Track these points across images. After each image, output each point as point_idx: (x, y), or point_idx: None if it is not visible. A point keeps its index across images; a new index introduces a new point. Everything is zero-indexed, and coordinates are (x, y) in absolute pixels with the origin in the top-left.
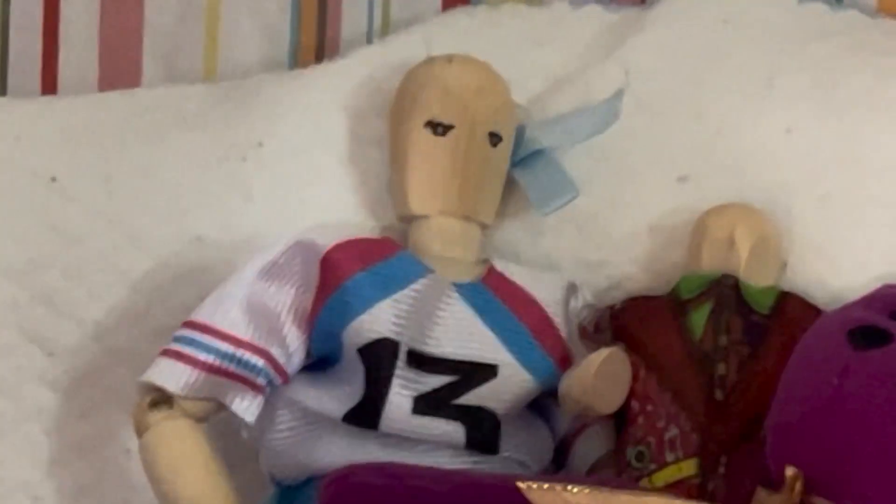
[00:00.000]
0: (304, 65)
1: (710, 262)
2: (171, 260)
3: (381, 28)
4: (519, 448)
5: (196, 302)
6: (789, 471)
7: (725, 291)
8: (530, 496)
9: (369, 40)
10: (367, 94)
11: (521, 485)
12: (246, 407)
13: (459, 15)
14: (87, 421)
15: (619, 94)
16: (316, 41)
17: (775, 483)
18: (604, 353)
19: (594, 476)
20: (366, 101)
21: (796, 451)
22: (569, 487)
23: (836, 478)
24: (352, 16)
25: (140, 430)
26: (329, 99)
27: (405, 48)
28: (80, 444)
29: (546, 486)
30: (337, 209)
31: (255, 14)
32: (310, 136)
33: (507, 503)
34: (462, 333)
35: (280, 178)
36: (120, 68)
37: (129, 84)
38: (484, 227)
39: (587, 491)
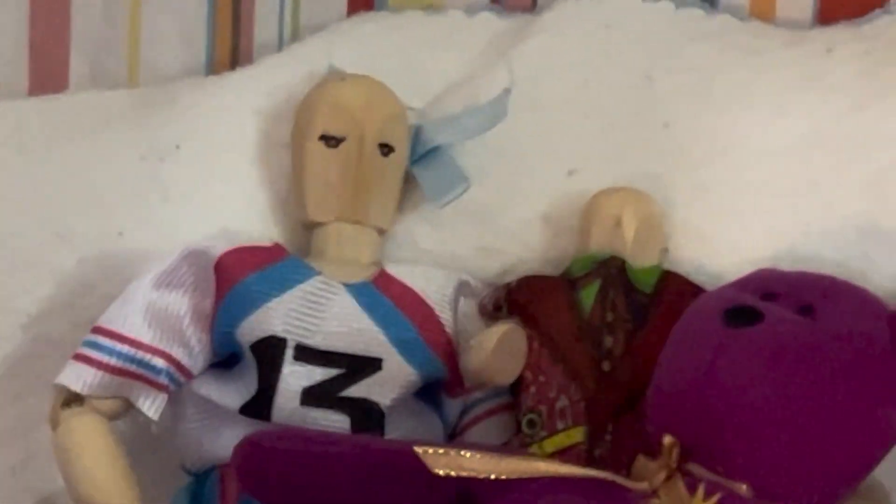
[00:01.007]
0: (220, 71)
1: (599, 243)
2: (95, 255)
3: (291, 35)
4: (406, 436)
5: (119, 294)
6: (667, 439)
7: (612, 271)
8: (426, 460)
9: (280, 47)
10: (277, 99)
11: (417, 449)
12: (149, 405)
13: (362, 21)
14: (18, 405)
15: (505, 94)
16: (230, 49)
17: (655, 450)
18: (501, 328)
19: (486, 444)
20: (276, 106)
21: (673, 421)
22: (462, 452)
23: (710, 446)
24: (263, 24)
25: (53, 426)
26: (242, 103)
27: (312, 54)
28: (13, 428)
29: (441, 450)
30: (249, 206)
31: (174, 23)
32: (224, 139)
33: (404, 466)
34: (349, 329)
35: (196, 177)
36: (49, 71)
37: (57, 86)
38: (380, 230)
39: (479, 455)
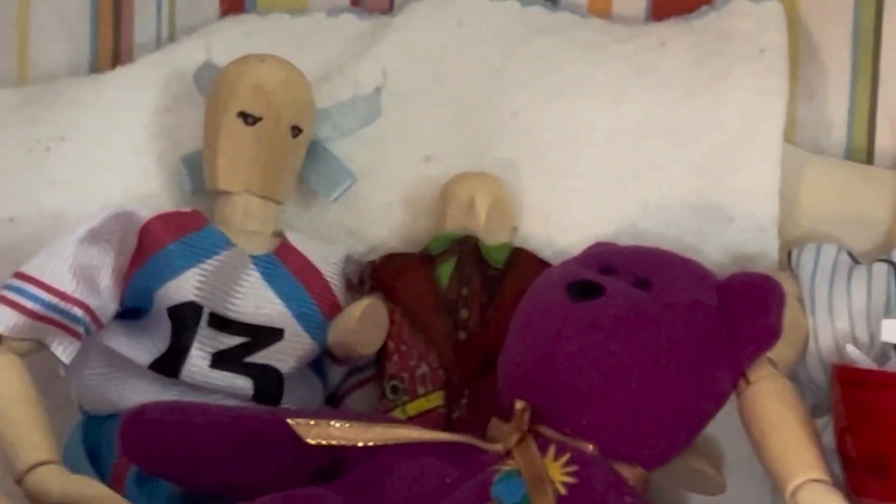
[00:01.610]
0: (102, 69)
1: (454, 223)
2: None
3: (168, 35)
4: (297, 400)
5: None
6: (518, 404)
7: (467, 248)
8: (298, 430)
9: (158, 47)
10: (155, 94)
11: (290, 421)
12: (63, 350)
13: (233, 23)
14: None
15: (377, 92)
16: (112, 49)
17: (507, 414)
18: (364, 301)
19: (354, 412)
20: (154, 100)
21: (524, 387)
22: (332, 422)
23: (558, 409)
24: (142, 26)
25: None
26: (123, 98)
27: (187, 53)
28: None
29: (312, 421)
30: (129, 193)
31: (60, 24)
32: (106, 131)
33: (279, 436)
34: (256, 301)
35: (80, 166)
36: None
37: None
38: (279, 204)
39: (348, 424)
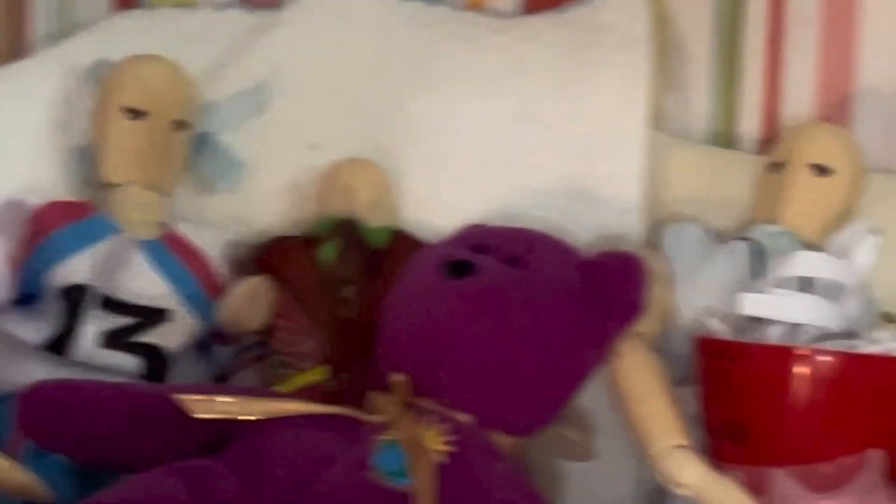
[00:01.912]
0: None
1: (337, 207)
2: None
3: (63, 31)
4: (183, 378)
5: None
6: (397, 377)
7: (348, 231)
8: (186, 406)
9: (53, 42)
10: (51, 88)
11: (177, 396)
12: None
13: (125, 18)
14: None
15: (264, 85)
16: (9, 44)
17: (387, 387)
18: (250, 281)
19: (240, 387)
20: (50, 94)
21: (402, 361)
22: (217, 397)
23: (435, 382)
24: (38, 22)
25: None
26: (19, 92)
27: (82, 48)
28: None
29: (199, 397)
30: (24, 184)
31: None
32: (2, 124)
33: (168, 411)
34: (143, 283)
35: None
36: None
37: None
38: (166, 195)
39: (233, 399)
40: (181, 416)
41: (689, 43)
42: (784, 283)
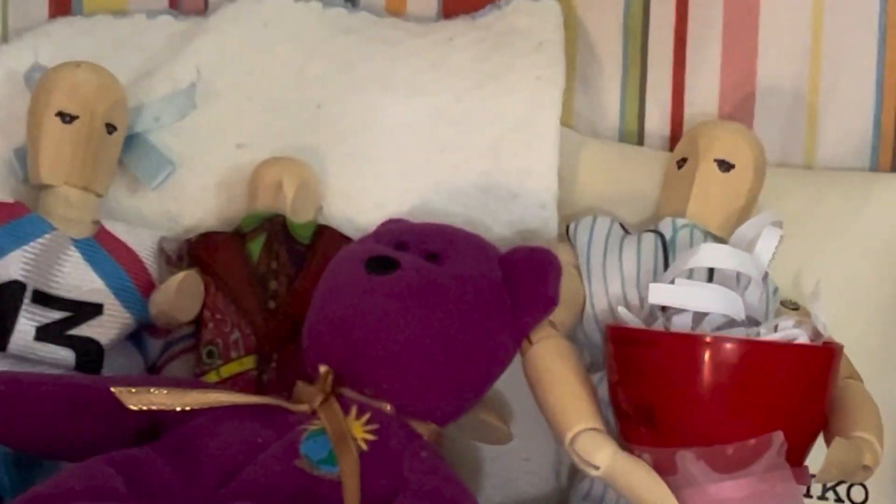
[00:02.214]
0: None
1: (264, 204)
2: None
3: (1, 35)
4: (116, 370)
5: None
6: (322, 368)
7: (275, 226)
8: (122, 398)
9: None
10: None
11: (113, 389)
12: None
13: (61, 24)
14: None
15: (192, 87)
16: None
17: (312, 377)
18: (181, 275)
19: (173, 378)
20: None
21: (327, 352)
22: (152, 389)
23: (358, 373)
24: None
25: None
26: None
27: (18, 53)
28: None
29: (134, 389)
30: None
31: None
32: None
33: (103, 403)
34: (77, 279)
35: None
36: None
37: None
38: (99, 195)
39: (166, 391)
40: (117, 407)
41: (600, 45)
42: (690, 274)
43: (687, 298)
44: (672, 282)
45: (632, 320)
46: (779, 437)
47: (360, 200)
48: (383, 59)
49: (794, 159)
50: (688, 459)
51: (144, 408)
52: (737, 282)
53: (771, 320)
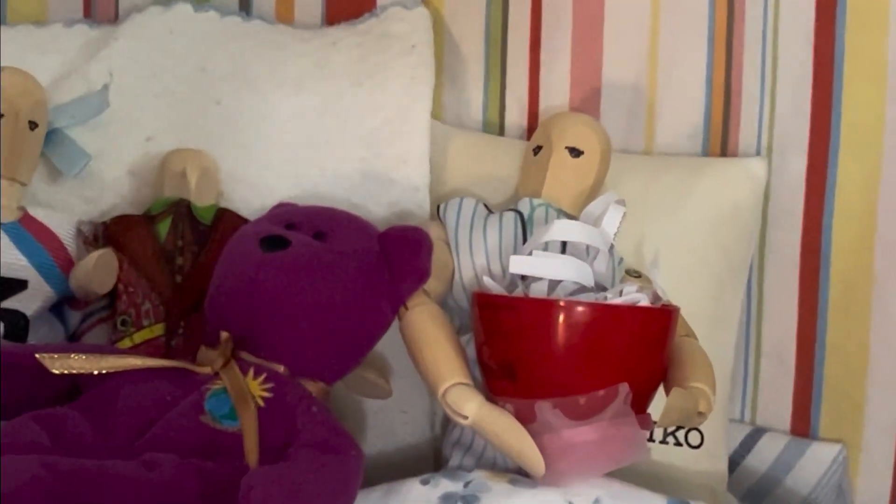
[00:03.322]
0: None
1: (171, 189)
2: None
3: None
4: (41, 339)
5: None
6: (223, 334)
7: (181, 209)
8: (44, 362)
9: None
10: None
11: (38, 356)
12: None
13: None
14: None
15: (105, 88)
16: None
17: (214, 342)
18: (97, 252)
19: (90, 345)
20: None
21: (227, 320)
22: (72, 355)
23: (255, 339)
24: None
25: None
26: None
27: None
28: None
29: (56, 355)
30: None
31: None
32: None
33: (29, 367)
34: (5, 259)
35: None
36: None
37: None
38: (23, 184)
39: (85, 356)
40: (42, 371)
41: (465, 47)
42: (546, 247)
43: (543, 268)
44: (530, 254)
45: (495, 288)
46: (625, 388)
47: (255, 185)
48: (274, 60)
49: (635, 146)
50: (545, 409)
51: (66, 372)
52: (586, 253)
53: (616, 286)
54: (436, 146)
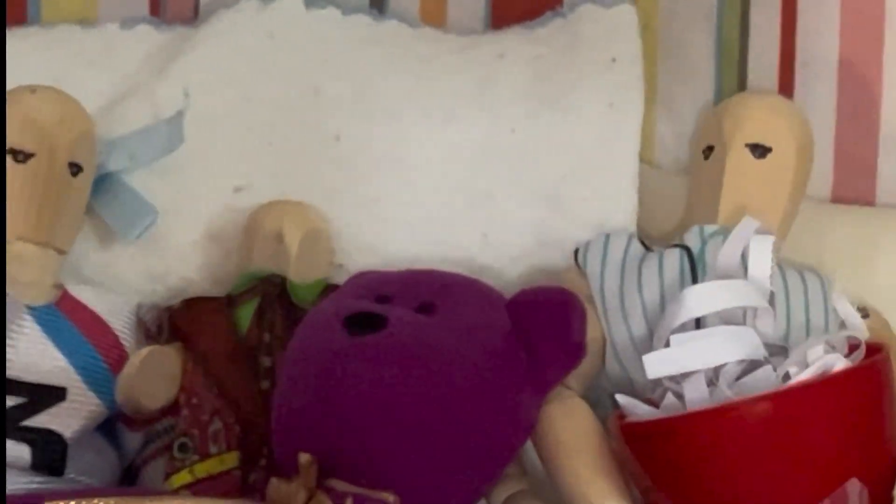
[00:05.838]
0: None
1: (261, 259)
2: None
3: None
4: (85, 470)
5: None
6: (303, 457)
7: (271, 289)
8: None
9: None
10: None
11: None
12: None
13: (14, 38)
14: None
15: (179, 116)
16: None
17: (287, 471)
18: (144, 351)
19: (120, 489)
20: None
21: (306, 437)
22: (94, 500)
23: (347, 458)
24: None
25: None
26: None
27: None
28: None
29: (72, 502)
30: None
31: None
32: None
33: None
34: (32, 356)
35: None
36: None
37: None
38: (61, 252)
39: (113, 501)
40: None
41: (687, 56)
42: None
43: (686, 361)
44: (667, 343)
45: (637, 407)
46: (854, 485)
47: (387, 254)
48: (414, 78)
49: None
50: None
51: None
52: (743, 316)
53: (799, 347)
54: (647, 199)
